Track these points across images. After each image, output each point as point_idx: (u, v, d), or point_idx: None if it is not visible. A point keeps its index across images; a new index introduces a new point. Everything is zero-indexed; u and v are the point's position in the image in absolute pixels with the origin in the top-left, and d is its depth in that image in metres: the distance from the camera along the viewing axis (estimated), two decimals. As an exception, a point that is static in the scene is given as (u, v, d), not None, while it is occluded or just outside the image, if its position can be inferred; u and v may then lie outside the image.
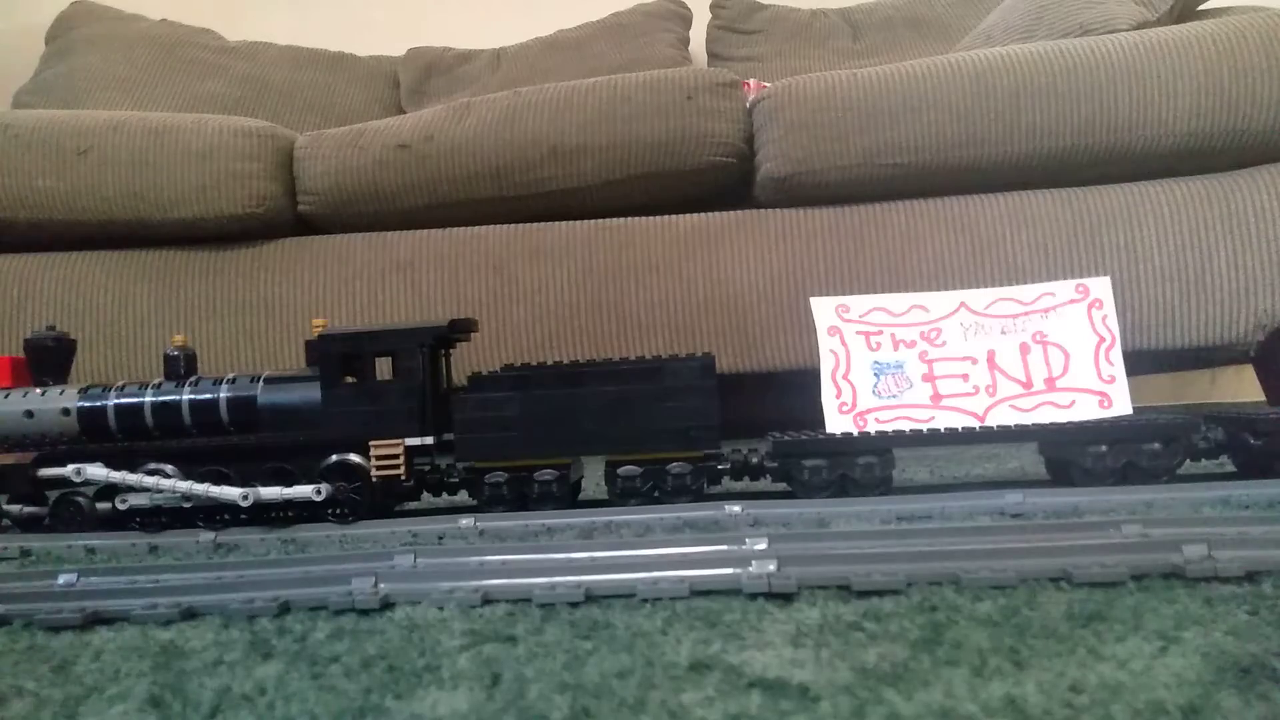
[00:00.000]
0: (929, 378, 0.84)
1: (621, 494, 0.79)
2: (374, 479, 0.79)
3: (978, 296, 0.86)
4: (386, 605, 0.57)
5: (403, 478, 0.79)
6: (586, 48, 1.98)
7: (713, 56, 2.03)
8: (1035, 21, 1.39)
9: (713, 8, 2.07)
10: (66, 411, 0.87)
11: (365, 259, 1.27)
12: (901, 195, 1.21)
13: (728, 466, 0.80)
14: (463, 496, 0.83)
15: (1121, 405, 0.81)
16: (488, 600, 0.56)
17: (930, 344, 0.85)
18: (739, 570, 0.57)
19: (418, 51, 2.10)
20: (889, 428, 0.81)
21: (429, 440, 0.80)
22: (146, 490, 0.80)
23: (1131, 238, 1.16)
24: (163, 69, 1.88)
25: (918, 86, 1.18)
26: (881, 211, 1.21)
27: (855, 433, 0.82)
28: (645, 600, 0.55)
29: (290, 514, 0.80)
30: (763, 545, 0.60)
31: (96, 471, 0.81)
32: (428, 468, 0.83)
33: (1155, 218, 1.16)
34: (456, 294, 1.25)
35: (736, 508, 0.74)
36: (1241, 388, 1.79)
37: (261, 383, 0.86)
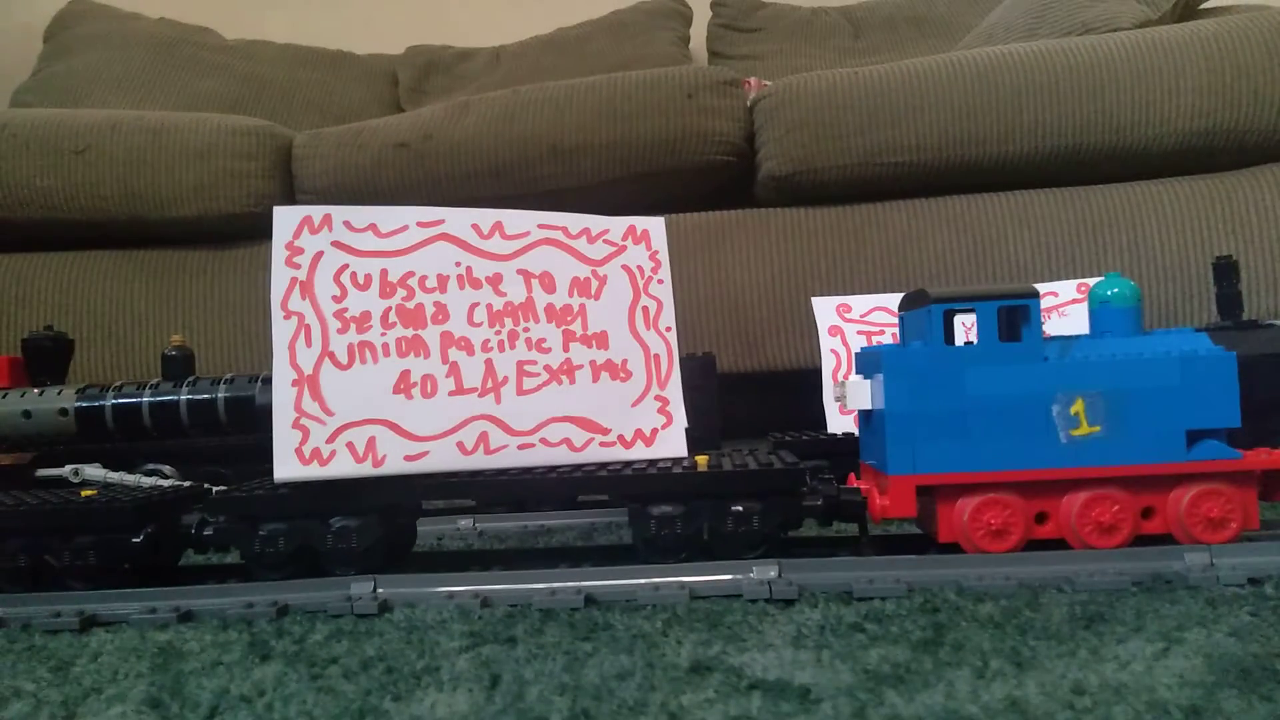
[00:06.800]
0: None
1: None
2: None
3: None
4: (385, 609, 0.57)
5: None
6: (586, 46, 1.98)
7: (713, 54, 2.02)
8: (1037, 20, 1.39)
9: (713, 5, 2.06)
10: (64, 412, 0.87)
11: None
12: (903, 194, 1.21)
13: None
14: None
15: None
16: (487, 604, 0.56)
17: None
18: (740, 576, 0.57)
19: (417, 50, 2.10)
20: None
21: None
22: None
23: (1134, 237, 1.15)
24: (161, 67, 1.88)
25: (919, 85, 1.17)
26: (883, 211, 1.21)
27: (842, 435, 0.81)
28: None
29: None
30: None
31: (94, 472, 0.81)
32: None
33: (1158, 217, 1.15)
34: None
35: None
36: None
37: (260, 383, 0.86)
